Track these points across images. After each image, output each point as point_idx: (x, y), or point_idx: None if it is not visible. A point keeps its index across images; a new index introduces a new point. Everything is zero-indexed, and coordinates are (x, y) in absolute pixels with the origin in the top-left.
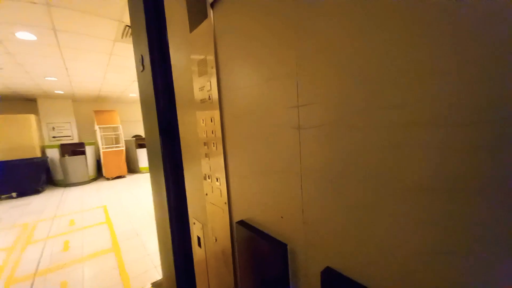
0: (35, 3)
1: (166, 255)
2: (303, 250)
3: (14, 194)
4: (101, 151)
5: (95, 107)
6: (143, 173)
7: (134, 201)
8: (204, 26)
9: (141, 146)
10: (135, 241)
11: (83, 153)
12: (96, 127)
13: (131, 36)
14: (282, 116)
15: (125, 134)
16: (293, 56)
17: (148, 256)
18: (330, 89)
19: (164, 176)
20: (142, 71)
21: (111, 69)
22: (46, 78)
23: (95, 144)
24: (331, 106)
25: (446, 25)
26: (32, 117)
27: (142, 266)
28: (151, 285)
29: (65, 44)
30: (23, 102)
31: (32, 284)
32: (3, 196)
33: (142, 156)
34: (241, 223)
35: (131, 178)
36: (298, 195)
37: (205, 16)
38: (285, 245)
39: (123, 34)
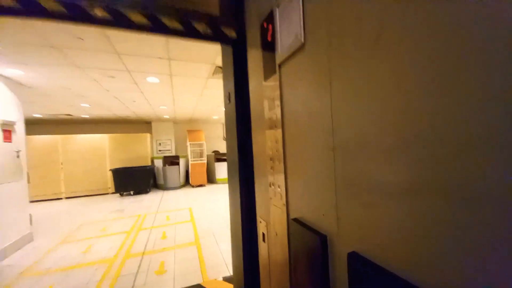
0: (161, 58)
1: (237, 251)
2: (336, 239)
3: (132, 192)
4: (190, 163)
5: (188, 127)
6: (219, 183)
7: (212, 206)
8: (273, 78)
9: (218, 160)
10: (211, 239)
11: (177, 164)
12: (188, 143)
13: (218, 73)
14: (320, 138)
15: (206, 149)
16: (328, 96)
17: (220, 253)
18: (352, 119)
19: (239, 184)
20: (228, 103)
21: (203, 98)
22: (160, 107)
23: (185, 157)
24: (354, 133)
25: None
26: (148, 136)
27: (216, 260)
28: (222, 278)
29: (176, 83)
30: (142, 124)
31: (141, 260)
32: (124, 193)
33: (219, 169)
34: (295, 220)
35: (210, 187)
36: (333, 199)
37: (274, 72)
38: (325, 236)
39: (213, 72)
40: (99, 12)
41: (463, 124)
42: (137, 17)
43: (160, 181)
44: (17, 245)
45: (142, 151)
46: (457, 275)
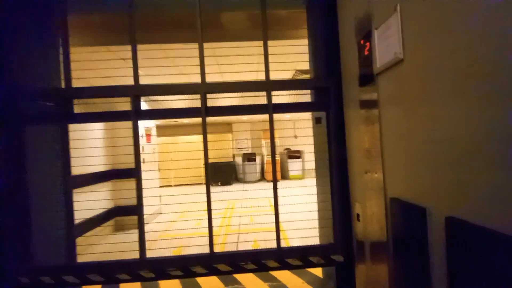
0: None
1: (329, 229)
2: (433, 210)
3: (219, 183)
4: (265, 159)
5: (262, 126)
6: (292, 180)
7: (285, 200)
8: (370, 86)
9: (290, 157)
10: (289, 225)
11: (254, 160)
12: (263, 142)
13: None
14: (418, 135)
15: (279, 148)
16: (424, 104)
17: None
18: (446, 122)
19: (331, 172)
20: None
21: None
22: None
23: (261, 154)
24: (449, 133)
25: None
26: (230, 135)
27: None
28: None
29: None
30: (225, 125)
31: (238, 236)
32: (213, 184)
33: (291, 165)
34: (394, 199)
35: (283, 183)
36: (429, 180)
37: (372, 81)
38: (424, 208)
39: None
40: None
41: None
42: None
43: (240, 175)
44: (153, 217)
45: (226, 148)
46: None
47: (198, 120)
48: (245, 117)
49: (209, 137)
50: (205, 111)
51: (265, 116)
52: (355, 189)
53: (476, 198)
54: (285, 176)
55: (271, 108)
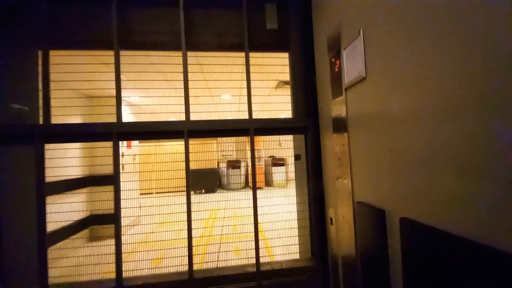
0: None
1: (306, 236)
2: (391, 212)
3: (203, 191)
4: (249, 166)
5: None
6: (276, 187)
7: (267, 208)
8: (340, 98)
9: (274, 164)
10: (273, 233)
11: (239, 167)
12: (247, 149)
13: (281, 87)
14: (380, 144)
15: (263, 155)
16: (386, 115)
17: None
18: (399, 130)
19: (308, 181)
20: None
21: (264, 108)
22: (227, 117)
23: (245, 161)
24: (406, 140)
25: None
26: (214, 142)
27: (277, 251)
28: None
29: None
30: None
31: (220, 243)
32: (197, 191)
33: (275, 173)
34: (360, 203)
35: (267, 190)
36: (387, 185)
37: (341, 94)
38: (383, 210)
39: (276, 87)
40: None
41: None
42: None
43: (224, 182)
44: (132, 224)
45: (210, 155)
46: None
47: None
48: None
49: (195, 143)
50: (188, 134)
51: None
52: (329, 195)
53: (427, 202)
54: (269, 183)
55: (252, 134)
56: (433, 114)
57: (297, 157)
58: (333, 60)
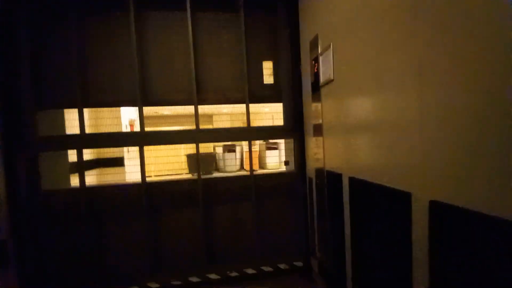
0: None
1: None
2: (346, 173)
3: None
4: (244, 150)
5: (242, 118)
6: (270, 170)
7: None
8: (316, 93)
9: (268, 148)
10: None
11: (234, 151)
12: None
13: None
14: (340, 127)
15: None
16: (343, 108)
17: None
18: (356, 118)
19: (294, 158)
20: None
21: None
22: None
23: (240, 145)
24: (356, 126)
25: None
26: (211, 126)
27: None
28: None
29: None
30: (205, 117)
31: None
32: (194, 174)
33: (269, 156)
34: (328, 171)
35: (261, 172)
36: (343, 155)
37: (318, 90)
38: (340, 174)
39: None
40: None
41: None
42: None
43: (221, 165)
44: None
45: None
46: None
47: (186, 111)
48: (225, 109)
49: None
50: (197, 141)
51: (244, 109)
52: (309, 164)
53: (362, 165)
54: (262, 167)
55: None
56: (377, 95)
57: (286, 163)
58: (313, 62)
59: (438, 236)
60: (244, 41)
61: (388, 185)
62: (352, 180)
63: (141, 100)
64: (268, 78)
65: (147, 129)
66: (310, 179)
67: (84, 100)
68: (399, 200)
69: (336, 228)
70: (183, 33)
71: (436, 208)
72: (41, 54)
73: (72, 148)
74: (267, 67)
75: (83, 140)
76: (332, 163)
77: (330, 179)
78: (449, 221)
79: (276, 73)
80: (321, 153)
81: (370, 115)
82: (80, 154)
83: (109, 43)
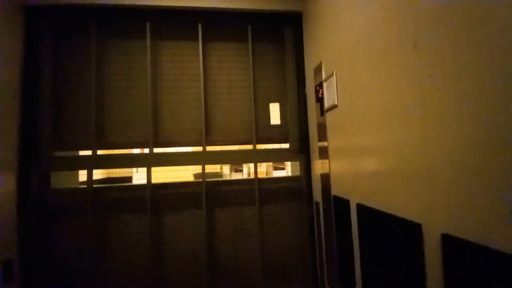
0: None
1: None
2: (353, 199)
3: None
4: (251, 171)
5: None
6: None
7: None
8: (322, 117)
9: (275, 168)
10: None
11: (241, 171)
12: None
13: None
14: (344, 149)
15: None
16: (350, 133)
17: None
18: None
19: (300, 172)
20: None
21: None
22: None
23: (248, 165)
24: (361, 149)
25: None
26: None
27: None
28: None
29: None
30: None
31: None
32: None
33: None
34: (335, 196)
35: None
36: (350, 177)
37: (323, 114)
38: (348, 200)
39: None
40: None
41: None
42: None
43: None
44: None
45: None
46: None
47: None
48: None
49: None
50: (204, 163)
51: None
52: (315, 186)
53: (369, 191)
54: None
55: (256, 165)
56: (380, 127)
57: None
58: (317, 88)
59: (453, 273)
60: (252, 83)
61: (397, 214)
62: (359, 207)
63: (152, 142)
64: (275, 119)
65: (155, 150)
66: (317, 203)
67: (97, 142)
68: (409, 231)
69: (345, 256)
70: (195, 66)
71: (450, 243)
72: (61, 98)
73: (83, 169)
74: (274, 109)
75: (94, 160)
76: (339, 188)
77: (337, 205)
78: (464, 257)
79: (282, 114)
80: (327, 176)
81: (374, 141)
82: (90, 174)
83: (122, 85)
